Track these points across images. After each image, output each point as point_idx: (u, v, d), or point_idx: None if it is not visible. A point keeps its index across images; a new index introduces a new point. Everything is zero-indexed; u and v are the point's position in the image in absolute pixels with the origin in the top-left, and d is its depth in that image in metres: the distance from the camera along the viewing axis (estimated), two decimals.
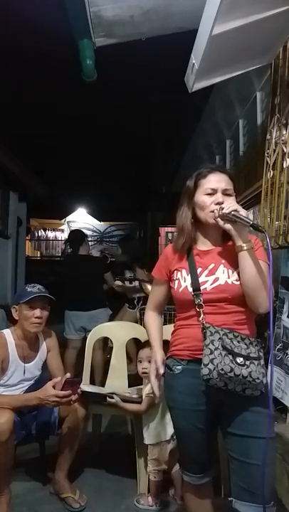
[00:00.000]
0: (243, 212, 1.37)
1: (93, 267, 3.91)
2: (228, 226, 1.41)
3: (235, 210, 1.37)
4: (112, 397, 2.22)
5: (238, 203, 1.47)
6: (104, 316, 3.79)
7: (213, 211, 1.45)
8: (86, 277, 3.80)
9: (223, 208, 1.41)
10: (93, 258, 4.10)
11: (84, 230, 4.47)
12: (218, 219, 1.43)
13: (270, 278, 1.33)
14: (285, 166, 2.25)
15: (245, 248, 1.39)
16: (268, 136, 2.51)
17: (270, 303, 1.35)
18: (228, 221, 1.40)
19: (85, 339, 3.71)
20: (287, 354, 2.18)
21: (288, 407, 2.18)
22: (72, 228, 11.51)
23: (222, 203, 1.43)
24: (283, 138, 2.28)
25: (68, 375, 2.04)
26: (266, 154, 2.52)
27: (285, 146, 2.25)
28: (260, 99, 3.67)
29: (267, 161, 2.51)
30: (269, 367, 1.34)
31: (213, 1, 1.72)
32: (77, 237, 4.04)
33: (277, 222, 2.31)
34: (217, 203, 1.45)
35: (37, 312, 2.18)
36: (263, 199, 2.55)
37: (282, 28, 2.02)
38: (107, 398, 2.23)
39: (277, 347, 2.30)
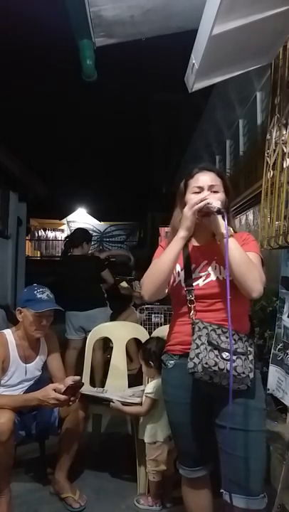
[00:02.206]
0: (215, 203, 1.40)
1: (88, 266, 3.90)
2: (205, 220, 1.45)
3: (208, 203, 1.40)
4: (113, 402, 2.21)
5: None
6: (103, 316, 3.77)
7: None
8: (82, 277, 3.80)
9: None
10: (88, 258, 4.06)
11: None
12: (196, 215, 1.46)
13: (227, 252, 1.36)
14: (285, 166, 2.24)
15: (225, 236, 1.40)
16: (268, 136, 2.51)
17: (226, 281, 1.35)
18: (205, 215, 1.44)
19: (85, 339, 3.73)
20: (287, 354, 2.19)
21: (288, 407, 2.18)
22: (73, 228, 11.53)
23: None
24: (283, 138, 2.28)
25: (76, 378, 2.05)
26: (266, 154, 2.52)
27: (285, 146, 2.25)
28: (260, 99, 3.67)
29: (267, 161, 2.51)
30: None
31: (213, 1, 1.71)
32: (73, 237, 4.06)
33: (277, 222, 2.31)
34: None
35: (44, 321, 2.19)
36: (263, 199, 2.55)
37: (282, 28, 2.02)
38: (110, 403, 2.22)
39: (278, 347, 2.30)
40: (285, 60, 2.32)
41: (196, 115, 4.93)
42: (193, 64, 2.11)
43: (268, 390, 2.24)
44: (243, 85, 3.70)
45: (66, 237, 4.49)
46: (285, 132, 2.27)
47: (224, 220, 1.39)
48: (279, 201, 2.27)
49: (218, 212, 1.39)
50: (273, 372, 2.29)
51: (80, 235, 4.03)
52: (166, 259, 1.47)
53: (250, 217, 3.63)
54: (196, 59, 2.08)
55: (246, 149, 4.12)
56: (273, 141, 2.43)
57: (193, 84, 2.25)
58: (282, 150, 2.27)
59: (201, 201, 1.42)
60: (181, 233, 1.46)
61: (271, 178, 2.44)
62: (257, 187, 3.05)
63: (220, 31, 1.83)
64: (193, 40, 2.06)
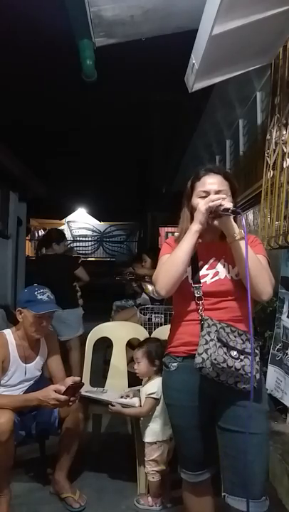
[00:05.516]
0: (227, 204, 1.40)
1: (59, 266, 3.84)
2: (216, 222, 1.44)
3: (221, 205, 1.39)
4: (114, 405, 2.20)
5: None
6: (74, 317, 3.74)
7: None
8: (53, 277, 3.75)
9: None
10: (59, 257, 3.97)
11: (84, 230, 4.46)
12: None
13: (247, 253, 1.35)
14: (285, 166, 2.25)
15: (237, 238, 1.40)
16: (268, 136, 2.51)
17: (247, 281, 1.35)
18: (217, 217, 1.43)
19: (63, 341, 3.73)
20: (287, 354, 2.19)
21: (288, 407, 2.18)
22: (73, 228, 11.46)
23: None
24: (283, 138, 2.28)
25: (76, 379, 2.05)
26: (266, 154, 2.53)
27: (285, 146, 2.25)
28: (260, 99, 3.68)
29: (267, 161, 2.51)
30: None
31: (213, 1, 1.72)
32: (44, 238, 4.12)
33: (277, 222, 2.32)
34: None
35: (44, 322, 2.19)
36: (263, 199, 2.55)
37: (282, 28, 2.02)
38: (109, 406, 2.22)
39: (277, 347, 2.30)
40: (285, 60, 2.32)
41: (196, 115, 4.93)
42: (193, 64, 2.12)
43: (267, 390, 2.24)
44: (243, 85, 3.71)
45: (39, 237, 4.51)
46: (285, 132, 2.27)
47: (242, 220, 1.38)
48: (279, 201, 2.27)
49: (233, 212, 1.38)
50: (272, 372, 2.29)
51: (51, 236, 4.00)
52: (182, 252, 1.44)
53: (250, 217, 3.63)
54: (196, 59, 2.08)
55: (246, 149, 4.12)
56: (273, 141, 2.43)
57: (193, 84, 2.26)
58: (282, 150, 2.28)
59: (215, 200, 1.41)
60: (195, 227, 1.44)
61: (271, 178, 2.44)
62: (257, 187, 3.06)
63: (220, 31, 1.83)
64: (193, 40, 2.06)
